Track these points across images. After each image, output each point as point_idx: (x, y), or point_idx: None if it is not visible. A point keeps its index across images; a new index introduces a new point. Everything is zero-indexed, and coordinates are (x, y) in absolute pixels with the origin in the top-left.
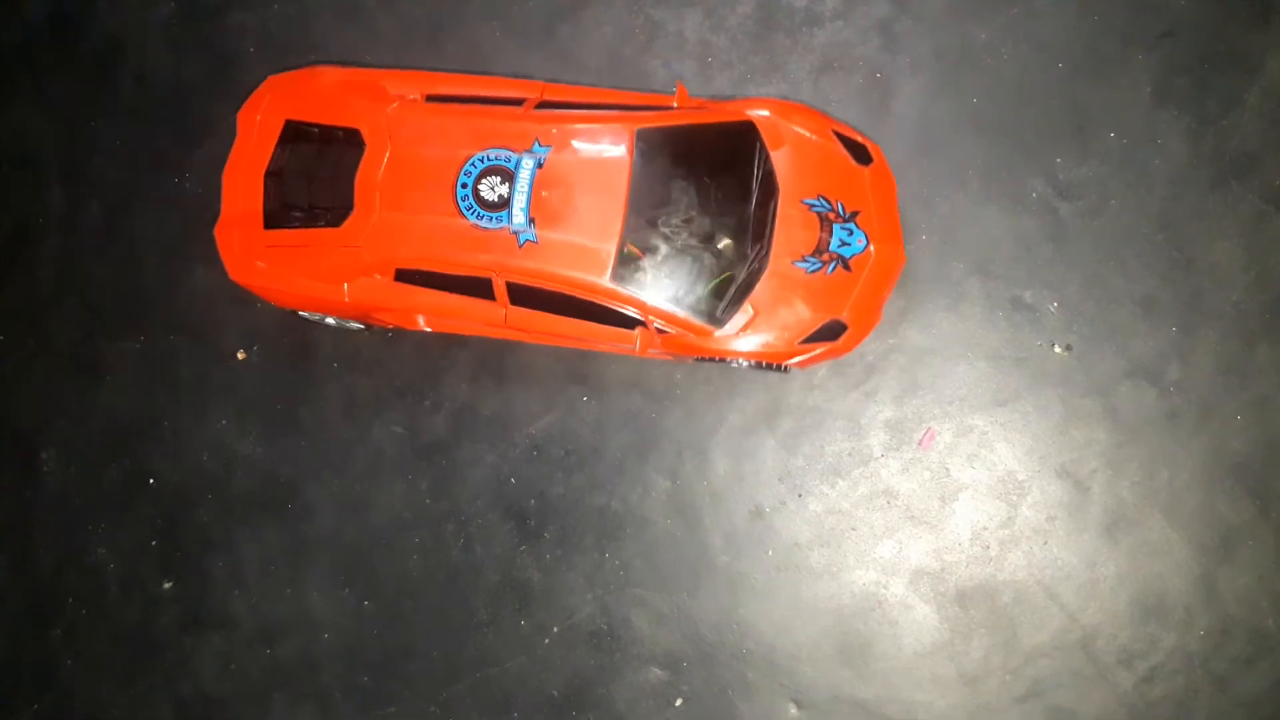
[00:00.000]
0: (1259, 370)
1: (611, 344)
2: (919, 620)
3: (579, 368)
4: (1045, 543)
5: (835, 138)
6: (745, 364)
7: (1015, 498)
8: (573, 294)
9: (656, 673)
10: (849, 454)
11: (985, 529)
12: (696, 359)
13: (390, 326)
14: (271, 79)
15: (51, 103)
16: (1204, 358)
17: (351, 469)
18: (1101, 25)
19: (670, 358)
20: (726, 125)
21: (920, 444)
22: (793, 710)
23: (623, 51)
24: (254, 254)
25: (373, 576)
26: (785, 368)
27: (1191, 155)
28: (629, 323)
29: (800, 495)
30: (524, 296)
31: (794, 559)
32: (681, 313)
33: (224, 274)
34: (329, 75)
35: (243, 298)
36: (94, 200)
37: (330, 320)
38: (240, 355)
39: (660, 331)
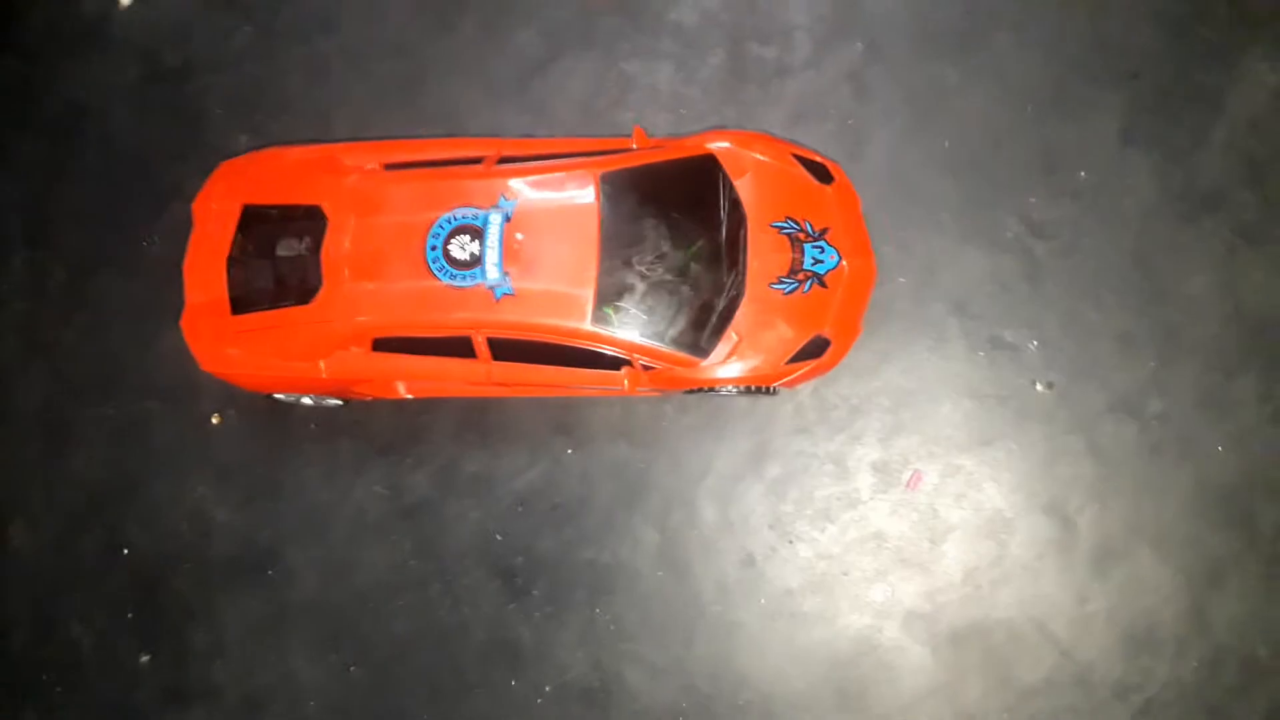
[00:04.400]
0: (1238, 402)
1: (600, 387)
2: (914, 663)
3: (562, 419)
4: (1036, 580)
5: (795, 160)
6: (734, 390)
7: (1004, 536)
8: (556, 341)
9: None
10: (837, 498)
11: (976, 569)
12: (686, 390)
13: (370, 398)
14: (224, 165)
15: (14, 165)
16: (1184, 391)
17: (333, 532)
18: (1068, 66)
19: (659, 393)
20: (688, 160)
21: (908, 486)
22: None
23: (596, 104)
24: (224, 341)
25: (359, 641)
26: (774, 390)
27: (1161, 192)
28: (615, 364)
29: (790, 541)
30: (506, 350)
31: (787, 606)
32: (666, 347)
33: None
34: (282, 156)
35: None
36: (59, 265)
37: (307, 400)
38: (215, 419)
39: (646, 368)
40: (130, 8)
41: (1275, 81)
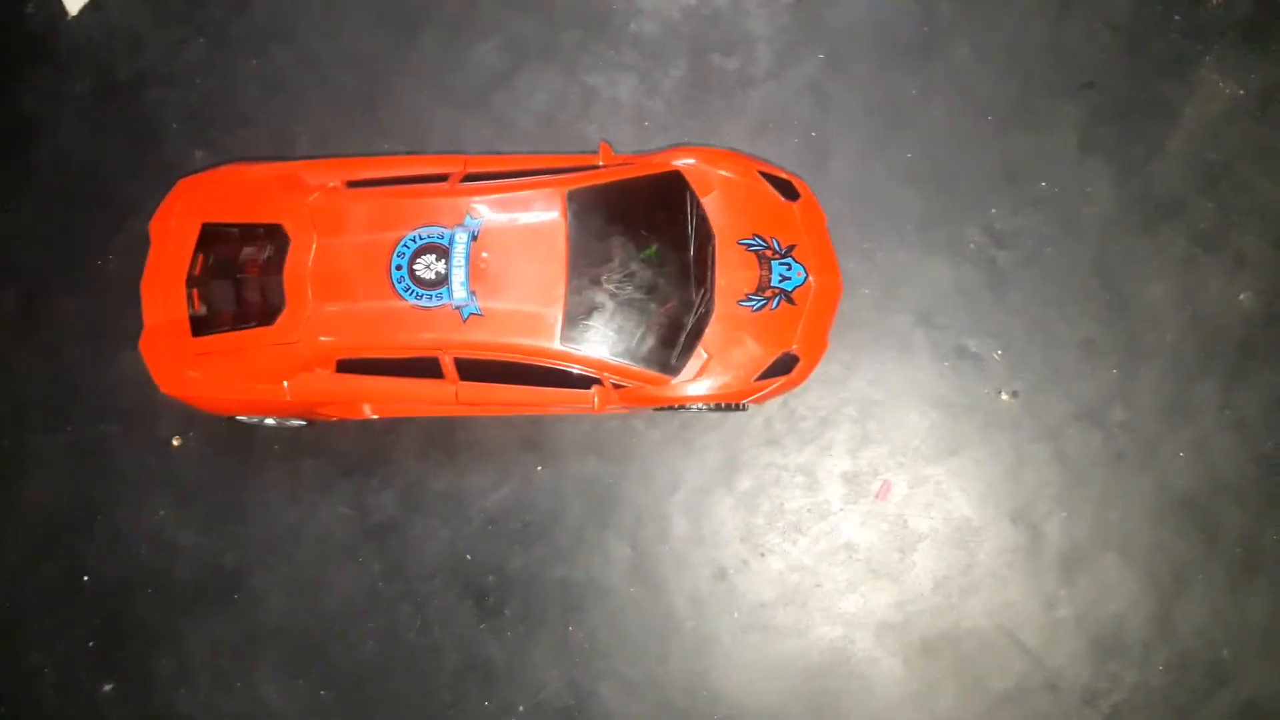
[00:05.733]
0: (1197, 408)
1: (569, 406)
2: (887, 673)
3: (532, 436)
4: (1005, 588)
5: (761, 178)
6: (704, 408)
7: (973, 545)
8: (524, 361)
9: None
10: (808, 509)
11: (946, 578)
12: (656, 409)
13: (334, 419)
14: (182, 182)
15: None
16: (1145, 398)
17: (299, 554)
18: (1026, 78)
19: (629, 411)
20: (654, 177)
21: (877, 496)
22: None
23: (559, 117)
24: (185, 364)
25: (328, 664)
26: (744, 406)
27: (1120, 201)
28: (584, 382)
29: (762, 554)
30: (474, 370)
31: (760, 619)
32: (636, 365)
33: None
34: (242, 173)
35: None
36: (11, 286)
37: (270, 421)
38: (176, 441)
39: (616, 387)
40: (79, 18)
41: (1228, 92)
